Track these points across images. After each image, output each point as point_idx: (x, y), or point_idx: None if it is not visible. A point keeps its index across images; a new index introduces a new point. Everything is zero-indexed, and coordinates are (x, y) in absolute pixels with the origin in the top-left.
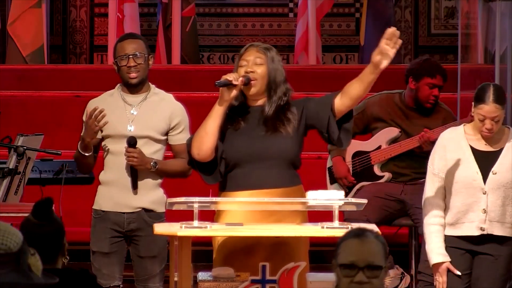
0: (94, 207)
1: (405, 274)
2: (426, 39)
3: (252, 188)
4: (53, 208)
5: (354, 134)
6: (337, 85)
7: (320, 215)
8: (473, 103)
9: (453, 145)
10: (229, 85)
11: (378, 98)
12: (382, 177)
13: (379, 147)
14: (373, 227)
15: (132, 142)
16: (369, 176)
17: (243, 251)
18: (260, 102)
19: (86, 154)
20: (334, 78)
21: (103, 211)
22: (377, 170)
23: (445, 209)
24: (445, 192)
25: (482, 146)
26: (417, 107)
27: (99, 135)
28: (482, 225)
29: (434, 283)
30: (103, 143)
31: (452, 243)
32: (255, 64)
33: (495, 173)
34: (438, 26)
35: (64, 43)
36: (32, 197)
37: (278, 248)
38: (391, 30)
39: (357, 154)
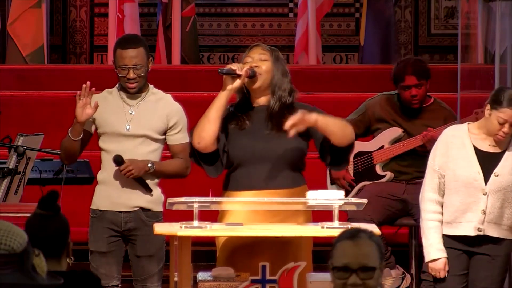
0: (92, 206)
1: (406, 274)
2: (426, 39)
3: (255, 188)
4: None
5: (355, 136)
6: (337, 85)
7: (321, 215)
8: (490, 103)
9: (456, 143)
10: (232, 74)
11: (379, 99)
12: (383, 176)
13: (382, 147)
14: (370, 226)
15: (118, 160)
16: (371, 176)
17: (246, 251)
18: (264, 100)
19: (74, 139)
20: (334, 78)
21: (100, 210)
22: (379, 169)
23: (443, 207)
24: (444, 189)
25: (485, 147)
26: (412, 108)
27: (92, 129)
28: (480, 226)
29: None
30: (101, 143)
31: (448, 244)
32: (259, 60)
33: (497, 175)
34: (438, 26)
35: (64, 43)
36: (32, 197)
37: (282, 248)
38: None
39: (359, 154)
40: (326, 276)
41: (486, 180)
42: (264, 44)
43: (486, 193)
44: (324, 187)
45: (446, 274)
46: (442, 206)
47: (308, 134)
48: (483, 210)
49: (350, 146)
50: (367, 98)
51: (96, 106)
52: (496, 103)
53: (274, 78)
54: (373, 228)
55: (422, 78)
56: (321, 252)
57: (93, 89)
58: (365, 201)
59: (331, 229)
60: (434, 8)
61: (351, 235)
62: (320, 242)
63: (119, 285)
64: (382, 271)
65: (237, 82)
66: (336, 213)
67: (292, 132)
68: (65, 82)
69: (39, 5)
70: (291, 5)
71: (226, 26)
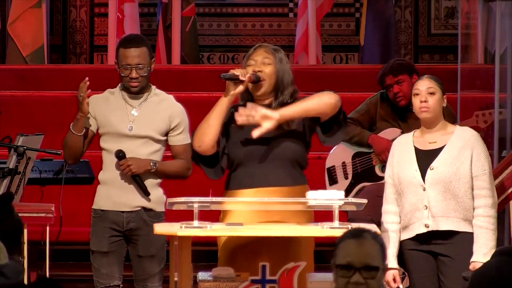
0: (94, 206)
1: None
2: (426, 39)
3: (256, 186)
4: (13, 204)
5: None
6: (337, 85)
7: (321, 215)
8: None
9: (400, 149)
10: (234, 79)
11: (379, 97)
12: (383, 177)
13: None
14: (372, 227)
15: (120, 154)
16: (370, 177)
17: (247, 251)
18: (266, 102)
19: (76, 133)
20: (334, 78)
21: (102, 210)
22: (378, 171)
23: (399, 213)
24: (397, 197)
25: (426, 145)
26: (405, 109)
27: (95, 128)
28: (426, 221)
29: None
30: (102, 143)
31: (409, 246)
32: (263, 64)
33: (432, 169)
34: (438, 26)
35: (64, 43)
36: (32, 197)
37: (283, 248)
38: (240, 118)
39: (357, 155)
40: (326, 276)
41: (423, 175)
42: (267, 44)
43: (425, 188)
44: (323, 186)
45: (400, 287)
46: (398, 215)
47: (308, 125)
48: (425, 205)
49: (339, 110)
50: (367, 98)
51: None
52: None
53: (277, 82)
54: (374, 228)
55: (400, 73)
56: (322, 252)
57: (87, 81)
58: (365, 201)
59: (331, 229)
60: (434, 8)
61: (355, 234)
62: (321, 242)
63: (121, 285)
64: (385, 272)
65: (240, 88)
66: (336, 213)
67: (255, 134)
68: (65, 82)
69: (39, 5)
70: (291, 5)
71: (226, 26)
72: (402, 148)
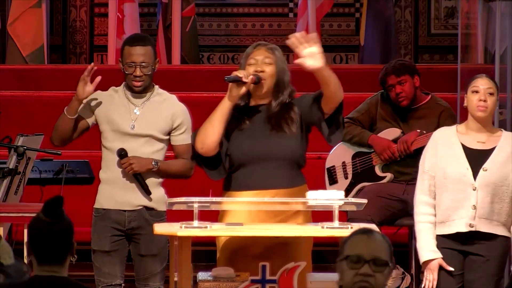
0: (95, 205)
1: (406, 274)
2: (426, 39)
3: (256, 188)
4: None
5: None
6: None
7: (321, 215)
8: (466, 93)
9: (444, 143)
10: (238, 81)
11: (380, 97)
12: (383, 177)
13: None
14: (370, 227)
15: (122, 152)
16: (370, 177)
17: (246, 251)
18: (265, 101)
19: (68, 116)
20: None
21: (104, 209)
22: (378, 171)
23: (436, 207)
24: (435, 190)
25: (474, 144)
26: (406, 108)
27: (90, 122)
28: (471, 221)
29: (424, 281)
30: (104, 141)
31: (442, 244)
32: (264, 64)
33: (486, 170)
34: (438, 26)
35: (64, 43)
36: (32, 197)
37: (282, 249)
38: (292, 39)
39: (357, 155)
40: (326, 276)
41: (475, 175)
42: (266, 42)
43: (476, 188)
44: (323, 186)
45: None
46: (434, 208)
47: (306, 122)
48: (473, 205)
49: (341, 105)
50: (367, 98)
51: (96, 83)
52: (469, 82)
53: (278, 82)
54: (374, 228)
55: (402, 74)
56: (322, 252)
57: (94, 67)
58: (365, 201)
59: (331, 229)
60: (434, 8)
61: (364, 231)
62: (320, 242)
63: (123, 285)
64: (390, 273)
65: (243, 89)
66: (336, 213)
67: (297, 61)
68: (65, 82)
69: (39, 5)
70: (291, 5)
71: (226, 26)
72: (447, 142)
